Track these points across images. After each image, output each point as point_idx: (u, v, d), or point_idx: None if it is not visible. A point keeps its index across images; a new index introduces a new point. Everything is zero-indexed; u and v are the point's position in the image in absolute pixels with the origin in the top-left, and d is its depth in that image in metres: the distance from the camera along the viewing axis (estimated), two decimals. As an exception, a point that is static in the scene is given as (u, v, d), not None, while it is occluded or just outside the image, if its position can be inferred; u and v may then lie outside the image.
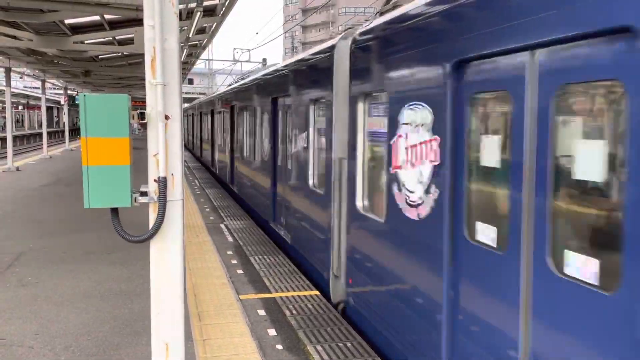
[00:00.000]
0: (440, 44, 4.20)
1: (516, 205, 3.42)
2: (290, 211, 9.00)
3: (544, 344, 3.19)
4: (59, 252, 8.99)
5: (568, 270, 3.05)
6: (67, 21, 14.33)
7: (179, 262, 3.99)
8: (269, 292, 7.05)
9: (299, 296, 6.88)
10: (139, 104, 35.08)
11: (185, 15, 12.75)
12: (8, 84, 22.49)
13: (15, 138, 41.05)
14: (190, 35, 13.89)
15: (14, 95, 43.74)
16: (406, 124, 4.76)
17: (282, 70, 9.87)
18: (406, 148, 4.76)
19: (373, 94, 5.75)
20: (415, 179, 4.58)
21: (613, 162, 2.82)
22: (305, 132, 8.04)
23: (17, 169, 22.14)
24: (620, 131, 2.76)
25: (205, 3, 11.33)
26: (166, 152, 3.83)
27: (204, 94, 59.95)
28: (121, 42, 17.07)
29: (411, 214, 4.67)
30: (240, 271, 7.96)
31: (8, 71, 21.91)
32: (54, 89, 48.05)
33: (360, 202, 6.03)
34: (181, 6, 11.11)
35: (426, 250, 4.44)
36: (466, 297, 3.96)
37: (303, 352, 5.31)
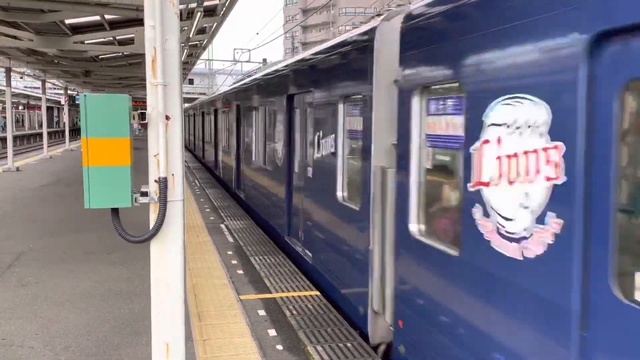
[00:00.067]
0: (570, 11, 2.92)
1: None
2: (311, 226, 7.76)
3: None
4: (59, 252, 8.99)
5: None
6: (67, 21, 14.33)
7: (180, 263, 3.99)
8: (269, 292, 7.05)
9: (299, 296, 6.88)
10: (139, 104, 35.06)
11: (186, 16, 12.75)
12: (8, 84, 22.49)
13: (15, 138, 41.05)
14: (191, 36, 13.89)
15: (14, 95, 43.76)
16: (498, 124, 3.53)
17: (300, 63, 8.51)
18: (498, 158, 3.52)
19: (437, 86, 4.47)
20: (516, 202, 3.33)
21: None
22: (332, 135, 6.76)
23: (18, 169, 22.14)
24: None
25: (206, 3, 11.34)
26: (167, 153, 3.83)
27: (204, 94, 59.99)
28: (121, 42, 17.07)
29: (508, 250, 3.41)
30: (240, 271, 7.95)
31: (8, 71, 21.91)
32: (54, 89, 48.07)
33: (415, 225, 4.75)
34: (182, 6, 11.11)
35: (538, 306, 3.14)
36: None
37: (303, 352, 5.31)
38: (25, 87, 60.46)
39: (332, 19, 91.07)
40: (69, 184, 17.55)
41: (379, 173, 5.42)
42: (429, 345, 4.43)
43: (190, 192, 16.30)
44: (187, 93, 62.54)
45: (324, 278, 7.24)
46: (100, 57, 21.33)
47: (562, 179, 2.97)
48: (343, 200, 6.54)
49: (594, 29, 2.76)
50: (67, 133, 37.38)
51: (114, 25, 14.61)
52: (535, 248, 3.19)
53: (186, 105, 35.51)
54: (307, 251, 8.10)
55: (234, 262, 8.48)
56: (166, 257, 3.96)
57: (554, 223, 3.03)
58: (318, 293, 7.00)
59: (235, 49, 45.71)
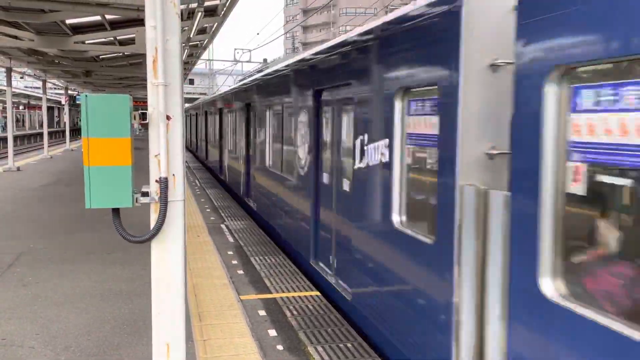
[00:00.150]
0: None
1: None
2: (349, 253, 6.24)
3: None
4: (59, 252, 8.99)
5: None
6: (68, 21, 14.35)
7: (180, 263, 3.99)
8: (270, 292, 7.05)
9: (299, 297, 6.88)
10: (139, 104, 35.08)
11: (187, 16, 12.76)
12: (9, 83, 22.51)
13: (15, 138, 41.09)
14: (192, 36, 13.90)
15: (14, 95, 43.79)
16: None
17: (333, 50, 6.85)
18: None
19: (598, 66, 2.94)
20: None
21: None
22: (384, 139, 5.24)
23: (18, 169, 22.14)
24: None
25: (207, 3, 11.34)
26: (167, 153, 3.84)
27: (204, 94, 60.03)
28: (122, 42, 17.09)
29: None
30: (240, 271, 7.95)
31: (9, 71, 21.92)
32: (55, 89, 48.11)
33: (550, 283, 3.13)
34: (182, 6, 11.12)
35: None
36: None
37: (304, 352, 5.31)
38: (26, 87, 60.52)
39: (333, 19, 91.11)
40: (69, 184, 17.55)
41: (470, 196, 3.85)
42: None
43: (191, 192, 16.30)
44: (187, 93, 62.59)
45: (372, 325, 5.62)
46: (100, 57, 21.35)
47: None
48: (401, 226, 4.98)
49: None
50: (67, 133, 37.39)
51: (115, 25, 14.62)
52: None
53: (187, 105, 35.48)
54: (342, 283, 6.57)
55: (235, 262, 8.48)
56: (167, 257, 3.96)
57: None
58: (318, 293, 7.00)
59: (235, 49, 45.72)
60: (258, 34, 50.97)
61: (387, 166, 5.15)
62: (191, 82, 72.09)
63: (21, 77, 41.84)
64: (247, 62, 48.35)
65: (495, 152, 3.96)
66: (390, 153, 5.09)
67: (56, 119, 76.90)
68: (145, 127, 3.85)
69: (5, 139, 36.94)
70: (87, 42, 16.06)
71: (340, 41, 6.69)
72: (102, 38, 16.19)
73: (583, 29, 2.90)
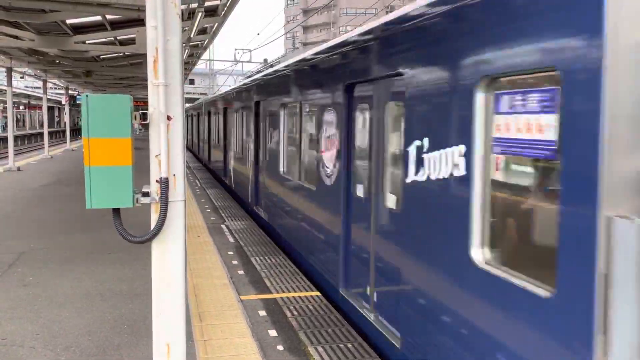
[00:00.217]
0: None
1: None
2: (397, 288, 4.98)
3: None
4: (60, 252, 8.99)
5: None
6: (68, 21, 14.37)
7: (181, 263, 3.99)
8: (270, 292, 7.05)
9: (300, 297, 6.88)
10: (140, 104, 35.09)
11: (187, 16, 12.77)
12: (9, 83, 22.52)
13: (16, 138, 41.11)
14: (192, 36, 13.90)
15: (15, 95, 43.81)
16: None
17: (376, 33, 5.53)
18: None
19: None
20: None
21: None
22: (459, 145, 3.93)
23: (18, 168, 22.15)
24: None
25: (207, 3, 11.35)
26: (168, 153, 3.84)
27: (205, 94, 60.05)
28: (122, 42, 17.10)
29: None
30: (241, 272, 7.95)
31: (9, 71, 21.94)
32: (55, 88, 48.13)
33: None
34: (183, 6, 11.12)
35: None
36: None
37: (304, 353, 5.31)
38: (26, 86, 60.60)
39: (333, 20, 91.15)
40: (69, 184, 17.55)
41: (628, 233, 2.65)
42: None
43: (191, 192, 16.30)
44: (188, 93, 62.65)
45: None
46: (101, 57, 21.36)
47: None
48: (487, 265, 3.67)
49: None
50: (68, 133, 37.41)
51: (115, 25, 14.63)
52: None
53: (187, 105, 35.48)
54: (385, 322, 5.38)
55: (235, 262, 8.48)
56: (167, 258, 3.96)
57: None
58: (319, 293, 7.00)
59: (236, 49, 45.78)
60: (258, 34, 51.00)
61: (464, 181, 3.87)
62: (191, 82, 72.17)
63: (21, 77, 41.89)
64: (248, 62, 48.42)
65: None
66: (469, 164, 3.81)
67: (56, 119, 76.94)
68: (145, 127, 3.85)
69: (5, 139, 36.96)
70: (87, 42, 16.08)
71: (388, 20, 5.34)
72: (102, 38, 16.21)
73: None
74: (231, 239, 10.08)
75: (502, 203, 3.69)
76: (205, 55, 58.99)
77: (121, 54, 20.82)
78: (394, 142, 5.28)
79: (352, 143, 6.32)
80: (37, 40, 15.24)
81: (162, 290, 3.98)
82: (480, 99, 3.72)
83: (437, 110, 4.28)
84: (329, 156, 6.91)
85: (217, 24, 14.24)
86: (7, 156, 23.18)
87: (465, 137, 3.87)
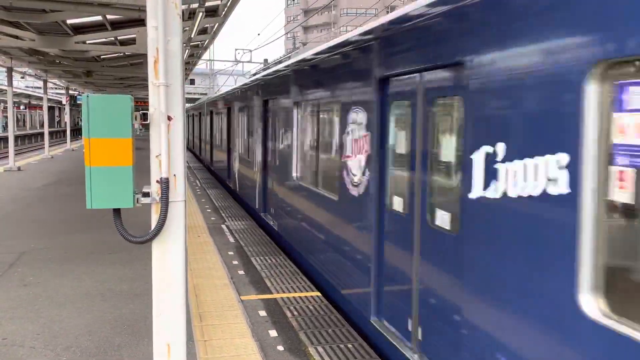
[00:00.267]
0: None
1: None
2: (457, 331, 4.01)
3: None
4: (60, 252, 8.99)
5: None
6: (69, 21, 14.37)
7: (181, 263, 3.99)
8: (271, 292, 7.05)
9: (300, 297, 6.88)
10: (140, 104, 35.11)
11: (188, 16, 12.77)
12: (10, 83, 22.53)
13: (16, 138, 41.10)
14: (193, 36, 13.90)
15: (15, 95, 43.82)
16: None
17: (423, 17, 4.52)
18: None
19: None
20: None
21: None
22: (558, 153, 2.97)
23: (19, 168, 22.16)
24: None
25: (208, 4, 11.35)
26: (169, 153, 3.84)
27: (205, 94, 60.04)
28: (123, 43, 17.11)
29: None
30: (241, 272, 7.95)
31: (10, 71, 21.95)
32: (56, 88, 48.14)
33: None
34: (183, 7, 11.12)
35: None
36: None
37: (304, 353, 5.31)
38: (27, 86, 60.61)
39: (333, 20, 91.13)
40: (70, 184, 17.55)
41: None
42: None
43: (192, 193, 16.30)
44: (188, 93, 62.66)
45: None
46: (101, 57, 21.37)
47: None
48: (605, 317, 2.72)
49: None
50: (68, 133, 37.44)
51: (116, 25, 14.64)
52: None
53: (188, 105, 35.48)
54: None
55: (235, 262, 8.49)
56: (167, 258, 3.96)
57: None
58: (319, 294, 7.00)
59: (236, 50, 45.77)
60: (259, 34, 51.05)
61: (566, 202, 2.89)
62: (192, 82, 72.16)
63: (22, 77, 41.87)
64: (248, 62, 48.42)
65: None
66: (574, 179, 2.85)
67: (57, 119, 76.94)
68: (146, 127, 3.85)
69: (6, 139, 36.97)
70: (88, 42, 16.09)
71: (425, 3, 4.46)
72: (103, 38, 16.22)
73: None
74: (231, 239, 10.08)
75: (624, 233, 2.75)
76: (205, 56, 59.03)
77: (122, 54, 20.82)
78: (447, 147, 4.30)
79: (386, 147, 5.38)
80: (37, 40, 15.25)
81: (163, 290, 3.98)
82: (592, 92, 2.77)
83: (520, 106, 3.27)
84: (356, 162, 5.94)
85: (217, 24, 14.25)
86: (8, 156, 23.20)
87: (567, 142, 2.88)
